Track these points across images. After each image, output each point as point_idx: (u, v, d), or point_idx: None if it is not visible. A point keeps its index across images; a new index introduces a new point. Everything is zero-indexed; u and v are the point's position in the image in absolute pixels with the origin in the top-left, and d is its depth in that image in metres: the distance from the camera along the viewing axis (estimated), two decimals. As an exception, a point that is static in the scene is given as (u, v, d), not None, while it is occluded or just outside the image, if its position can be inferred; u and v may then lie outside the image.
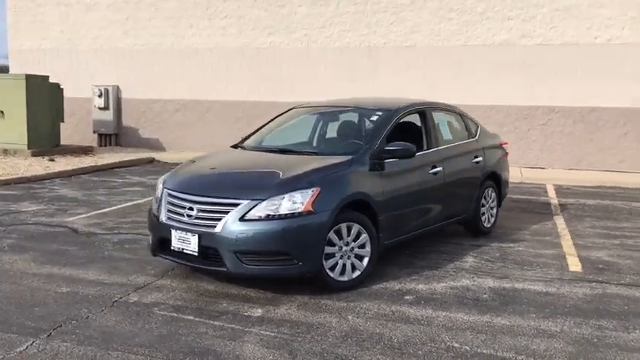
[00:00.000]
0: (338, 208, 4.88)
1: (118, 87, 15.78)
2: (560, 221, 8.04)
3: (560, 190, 10.65)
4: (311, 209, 4.72)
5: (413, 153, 5.57)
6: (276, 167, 5.20)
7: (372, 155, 5.42)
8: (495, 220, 7.36)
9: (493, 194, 7.27)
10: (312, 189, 4.79)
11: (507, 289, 5.16)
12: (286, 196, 4.72)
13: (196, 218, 4.84)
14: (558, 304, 4.80)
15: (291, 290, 4.93)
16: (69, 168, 11.74)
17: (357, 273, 5.07)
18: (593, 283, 5.36)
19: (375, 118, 6.01)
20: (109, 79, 15.79)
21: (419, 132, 6.28)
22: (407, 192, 5.70)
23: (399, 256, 6.02)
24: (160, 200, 5.20)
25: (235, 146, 6.32)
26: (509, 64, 13.00)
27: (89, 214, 7.93)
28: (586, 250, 6.52)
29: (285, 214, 4.67)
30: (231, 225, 4.67)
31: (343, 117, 6.43)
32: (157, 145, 15.58)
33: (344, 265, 5.00)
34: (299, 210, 4.69)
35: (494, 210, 7.33)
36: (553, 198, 9.86)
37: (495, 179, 7.33)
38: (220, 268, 4.77)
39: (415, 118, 6.34)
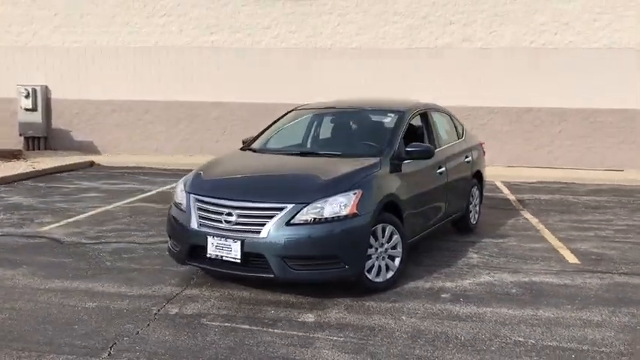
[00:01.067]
0: (378, 209, 4.90)
1: (46, 87, 14.82)
2: (528, 216, 8.48)
3: (510, 186, 11.21)
4: (356, 212, 4.71)
5: (432, 153, 5.70)
6: (309, 170, 5.15)
7: (392, 157, 5.49)
8: (478, 217, 7.66)
9: (477, 192, 7.56)
10: (354, 191, 4.78)
11: (528, 282, 5.40)
12: (329, 199, 4.69)
13: (236, 224, 4.69)
14: (583, 295, 5.09)
15: (327, 294, 4.88)
16: (9, 174, 10.91)
17: (391, 274, 5.12)
18: (598, 274, 5.71)
19: (388, 119, 6.08)
20: (37, 79, 14.81)
21: (422, 133, 6.42)
22: (421, 192, 5.81)
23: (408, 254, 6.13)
24: (188, 207, 4.98)
25: (244, 149, 6.17)
26: (452, 66, 13.50)
27: (61, 223, 7.44)
28: (571, 242, 6.93)
29: (332, 217, 4.63)
30: (277, 230, 4.56)
31: (353, 119, 6.44)
32: (91, 149, 14.79)
33: (379, 267, 5.03)
34: (344, 213, 4.67)
35: (478, 207, 7.63)
36: (509, 194, 10.36)
37: (479, 178, 7.63)
38: (266, 275, 4.65)
39: (418, 120, 6.47)
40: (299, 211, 4.61)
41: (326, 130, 6.45)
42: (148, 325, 4.27)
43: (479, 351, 3.92)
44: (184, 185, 5.25)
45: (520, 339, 4.13)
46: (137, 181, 11.04)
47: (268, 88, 14.05)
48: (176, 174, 11.90)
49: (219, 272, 4.93)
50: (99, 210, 8.30)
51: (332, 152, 5.75)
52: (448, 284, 5.30)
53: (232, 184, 5.11)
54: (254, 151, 6.07)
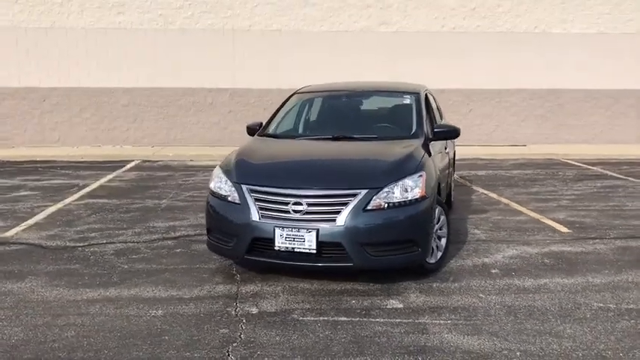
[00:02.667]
0: (434, 191, 4.93)
1: None
2: (483, 191, 8.96)
3: (442, 164, 11.73)
4: (424, 194, 4.69)
5: (459, 132, 5.79)
6: (366, 155, 5.09)
7: (426, 138, 5.53)
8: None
9: (452, 169, 7.84)
10: (420, 173, 4.76)
11: (550, 253, 5.72)
12: (399, 183, 4.62)
13: (306, 213, 4.47)
14: (607, 260, 5.50)
15: (383, 280, 4.79)
16: None
17: (440, 254, 5.17)
18: (598, 240, 6.20)
19: (407, 101, 6.08)
20: None
21: (429, 113, 6.50)
22: (441, 171, 5.91)
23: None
24: (243, 198, 4.64)
25: (263, 135, 5.85)
26: (371, 49, 13.75)
27: (21, 227, 6.57)
28: (545, 213, 7.43)
29: (405, 201, 4.57)
30: (355, 217, 4.42)
31: (368, 101, 6.35)
32: (-25, 142, 13.15)
33: (432, 248, 5.05)
34: (416, 196, 4.63)
35: (452, 184, 7.92)
36: (447, 172, 10.84)
37: (453, 156, 7.92)
38: (343, 264, 4.50)
39: (425, 101, 6.55)
40: (373, 197, 4.50)
41: (345, 114, 6.27)
42: (242, 327, 3.94)
43: (582, 320, 4.09)
44: (228, 176, 4.87)
45: (600, 304, 4.38)
46: (62, 176, 10.03)
47: (184, 72, 13.38)
48: (99, 166, 11.01)
49: (288, 265, 4.64)
50: (52, 210, 7.44)
51: (369, 136, 5.63)
52: (486, 260, 5.46)
53: (292, 173, 4.83)
54: (277, 137, 5.78)
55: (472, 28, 14.00)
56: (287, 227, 4.45)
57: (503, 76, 14.09)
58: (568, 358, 3.54)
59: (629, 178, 10.11)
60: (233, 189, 4.75)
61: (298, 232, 4.43)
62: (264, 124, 6.09)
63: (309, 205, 4.48)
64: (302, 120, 6.20)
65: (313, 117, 6.32)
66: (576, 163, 11.91)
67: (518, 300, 4.46)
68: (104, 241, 6.02)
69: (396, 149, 5.10)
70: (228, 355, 3.54)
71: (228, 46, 13.50)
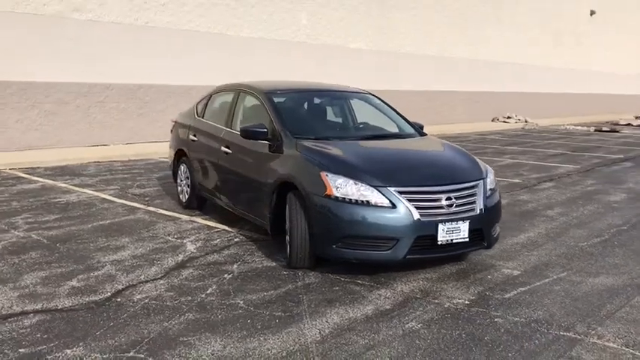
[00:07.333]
0: None
1: None
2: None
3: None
4: None
5: None
6: (431, 149, 5.86)
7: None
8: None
9: None
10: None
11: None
12: (489, 172, 5.48)
13: (457, 206, 4.86)
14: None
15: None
16: None
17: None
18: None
19: (375, 100, 6.86)
20: None
21: None
22: None
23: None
24: (396, 201, 4.69)
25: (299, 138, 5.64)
26: (65, 38, 12.25)
27: None
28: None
29: (493, 187, 5.39)
30: (484, 203, 5.05)
31: (338, 100, 6.78)
32: None
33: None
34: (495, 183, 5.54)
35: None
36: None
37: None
38: (480, 247, 5.14)
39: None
40: (486, 185, 5.20)
41: (336, 113, 6.70)
42: (436, 321, 4.09)
43: None
44: (359, 179, 4.79)
45: None
46: None
47: None
48: None
49: (436, 257, 5.09)
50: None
51: (398, 133, 6.30)
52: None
53: (418, 171, 5.13)
54: (317, 139, 5.63)
55: (162, 24, 13.95)
56: (447, 221, 4.76)
57: (194, 74, 14.54)
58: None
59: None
60: (378, 194, 4.71)
61: (456, 224, 4.79)
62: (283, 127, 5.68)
63: (456, 198, 4.88)
64: (303, 121, 6.20)
65: (303, 116, 6.45)
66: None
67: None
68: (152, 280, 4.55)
69: (438, 143, 6.05)
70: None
71: None
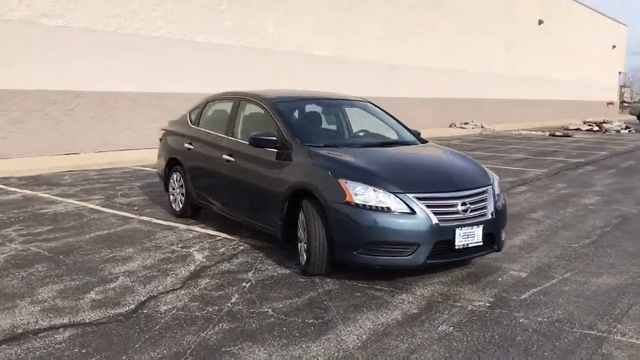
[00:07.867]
0: None
1: None
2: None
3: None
4: None
5: None
6: (439, 156, 5.95)
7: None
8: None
9: None
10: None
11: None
12: (495, 178, 5.64)
13: (471, 211, 4.98)
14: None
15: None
16: None
17: None
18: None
19: (375, 109, 6.98)
20: None
21: None
22: None
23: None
24: (415, 207, 4.78)
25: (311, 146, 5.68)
26: (33, 44, 11.91)
27: None
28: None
29: (499, 193, 5.52)
30: (494, 208, 5.19)
31: (339, 108, 6.84)
32: None
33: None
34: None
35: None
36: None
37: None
38: (492, 251, 5.30)
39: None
40: (494, 190, 5.35)
41: (340, 121, 6.79)
42: (466, 323, 4.21)
43: None
44: (378, 186, 4.85)
45: None
46: None
47: None
48: None
49: (448, 262, 5.19)
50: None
51: (403, 140, 6.40)
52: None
53: (441, 177, 5.28)
54: (327, 147, 5.68)
55: (132, 30, 13.74)
56: (464, 226, 4.88)
57: (164, 81, 14.36)
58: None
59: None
60: (394, 198, 4.79)
61: (472, 229, 4.92)
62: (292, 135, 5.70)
63: (470, 203, 5.00)
64: (313, 130, 6.30)
65: (316, 124, 6.61)
66: None
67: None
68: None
69: (443, 150, 6.18)
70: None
71: None
